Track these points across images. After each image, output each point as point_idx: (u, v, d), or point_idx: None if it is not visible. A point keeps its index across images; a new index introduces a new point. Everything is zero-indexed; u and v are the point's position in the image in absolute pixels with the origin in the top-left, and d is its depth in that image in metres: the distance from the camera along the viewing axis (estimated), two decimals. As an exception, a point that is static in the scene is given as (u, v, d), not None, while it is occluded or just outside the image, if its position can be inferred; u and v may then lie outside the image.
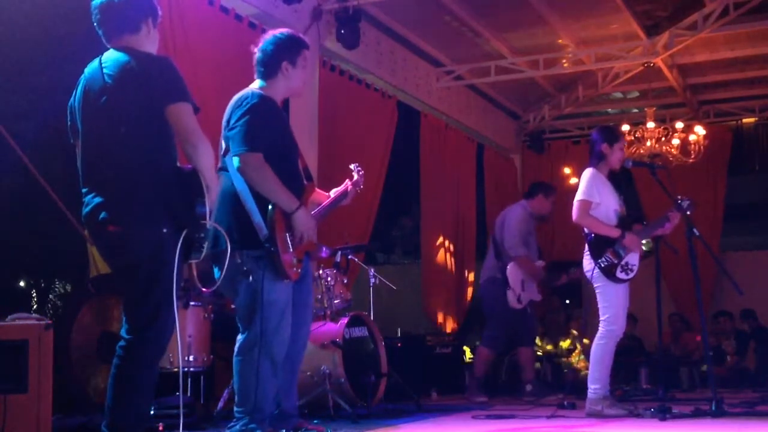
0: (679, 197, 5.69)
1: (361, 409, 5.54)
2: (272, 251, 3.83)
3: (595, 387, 5.55)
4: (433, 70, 9.95)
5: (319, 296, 5.85)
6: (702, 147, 9.82)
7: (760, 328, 10.25)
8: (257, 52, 4.17)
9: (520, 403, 6.90)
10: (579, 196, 5.63)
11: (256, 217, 3.82)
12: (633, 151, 9.77)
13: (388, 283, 7.02)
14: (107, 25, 3.42)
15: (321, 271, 5.94)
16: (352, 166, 4.68)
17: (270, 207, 3.88)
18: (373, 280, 6.80)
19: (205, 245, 3.25)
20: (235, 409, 3.97)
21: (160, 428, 4.65)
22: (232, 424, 3.96)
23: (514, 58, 9.73)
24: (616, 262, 5.54)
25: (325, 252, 6.09)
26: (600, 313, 5.62)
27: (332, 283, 5.92)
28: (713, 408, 5.17)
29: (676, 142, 9.79)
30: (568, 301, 11.64)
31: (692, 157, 9.84)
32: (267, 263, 3.86)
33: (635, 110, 12.14)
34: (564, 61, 9.75)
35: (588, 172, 5.69)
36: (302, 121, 7.54)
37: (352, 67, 8.46)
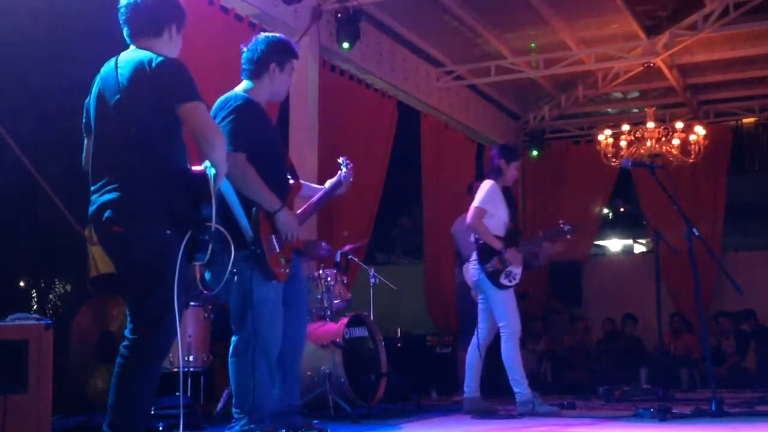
0: (561, 222, 6.15)
1: (361, 409, 5.54)
2: (258, 253, 3.84)
3: (519, 390, 5.72)
4: (433, 70, 9.95)
5: (319, 296, 5.85)
6: (702, 147, 9.82)
7: (760, 328, 10.25)
8: (246, 51, 4.17)
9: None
10: (476, 203, 5.87)
11: (243, 221, 3.82)
12: (633, 151, 9.77)
13: (388, 283, 7.02)
14: (132, 25, 3.45)
15: (321, 271, 5.94)
16: (340, 160, 4.61)
17: (254, 209, 3.88)
18: (373, 280, 6.80)
19: (210, 247, 3.25)
20: (234, 410, 3.97)
21: (160, 428, 4.65)
22: (231, 425, 3.96)
23: (514, 58, 9.73)
24: (500, 268, 5.77)
25: (324, 249, 6.09)
26: (497, 319, 5.81)
27: (332, 283, 5.92)
28: (713, 408, 5.17)
29: (676, 142, 9.79)
30: (566, 301, 11.66)
31: (692, 157, 9.84)
32: (255, 264, 3.86)
33: (635, 110, 12.14)
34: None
35: (488, 184, 5.94)
36: (302, 121, 7.55)
37: (352, 67, 8.47)
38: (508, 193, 6.08)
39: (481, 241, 5.84)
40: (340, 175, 4.55)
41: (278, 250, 3.93)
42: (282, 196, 4.01)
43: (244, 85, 4.18)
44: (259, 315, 3.87)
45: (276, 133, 4.24)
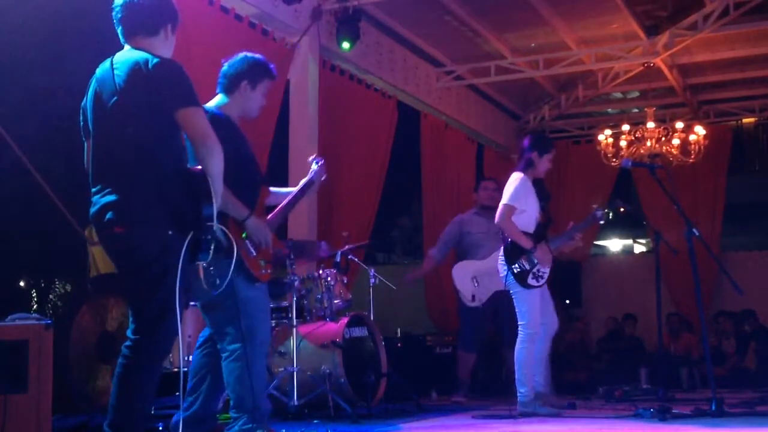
0: (595, 206, 6.01)
1: (361, 409, 5.53)
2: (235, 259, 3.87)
3: (523, 390, 5.69)
4: (433, 70, 9.95)
5: (319, 296, 5.85)
6: (702, 147, 9.82)
7: (760, 328, 10.25)
8: (225, 65, 4.24)
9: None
10: (505, 200, 5.77)
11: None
12: (633, 151, 9.78)
13: (388, 283, 7.01)
14: (127, 24, 3.44)
15: (321, 271, 5.94)
16: (310, 159, 4.70)
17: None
18: (373, 280, 6.79)
19: (212, 247, 3.26)
20: (231, 411, 3.98)
21: (160, 428, 4.65)
22: (230, 425, 3.96)
23: (514, 58, 9.73)
24: (528, 268, 5.70)
25: (324, 250, 6.10)
26: (518, 317, 5.76)
27: (332, 283, 5.92)
28: (713, 408, 5.17)
29: (676, 142, 9.79)
30: (567, 301, 11.64)
31: (692, 157, 9.84)
32: (237, 267, 3.86)
33: (635, 110, 12.14)
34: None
35: (517, 177, 5.82)
36: (302, 121, 7.55)
37: (352, 67, 8.47)
38: (539, 184, 5.94)
39: (509, 241, 5.76)
40: (311, 174, 4.61)
41: (255, 254, 3.99)
42: (252, 206, 4.05)
43: (218, 99, 4.24)
44: (250, 314, 3.93)
45: (246, 144, 4.26)
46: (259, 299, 4.01)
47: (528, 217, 5.78)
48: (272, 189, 4.59)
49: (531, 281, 5.70)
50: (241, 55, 4.25)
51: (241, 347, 3.91)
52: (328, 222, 7.91)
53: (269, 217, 4.39)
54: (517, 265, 5.70)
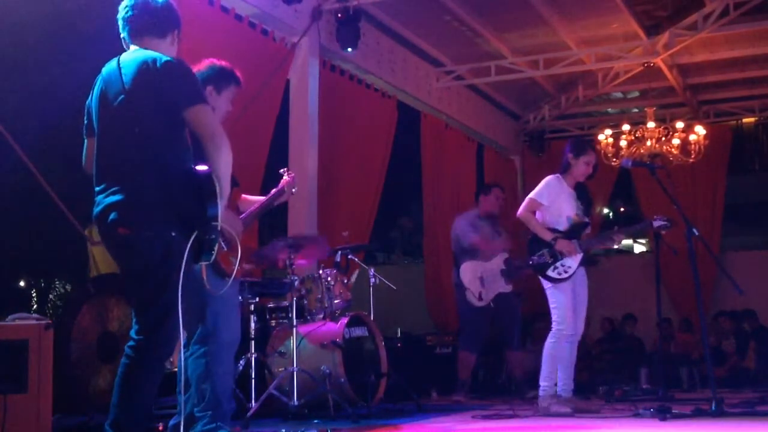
0: (656, 217, 5.93)
1: (361, 409, 5.54)
2: None
3: (544, 385, 5.74)
4: (433, 70, 9.95)
5: (319, 296, 5.85)
6: (702, 147, 9.83)
7: (760, 328, 10.26)
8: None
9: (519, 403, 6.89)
10: (530, 194, 5.90)
11: None
12: (633, 151, 9.78)
13: (388, 283, 7.02)
14: (137, 24, 3.43)
15: (321, 271, 5.95)
16: (281, 171, 4.80)
17: None
18: (373, 280, 6.79)
19: (216, 247, 3.25)
20: (195, 409, 3.99)
21: (160, 428, 4.65)
22: (193, 425, 3.96)
23: (514, 58, 9.74)
24: (550, 262, 5.74)
25: (324, 245, 6.12)
26: (551, 313, 5.80)
27: (332, 283, 5.92)
28: (713, 408, 5.17)
29: (676, 142, 9.80)
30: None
31: (692, 157, 9.85)
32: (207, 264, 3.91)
33: (635, 110, 12.15)
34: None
35: (548, 177, 5.94)
36: (302, 121, 7.55)
37: (352, 67, 8.47)
38: (582, 189, 6.02)
39: (531, 233, 5.86)
40: (281, 184, 4.70)
41: (226, 249, 4.01)
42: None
43: None
44: (216, 312, 3.98)
45: None
46: (227, 297, 4.02)
47: (555, 215, 5.84)
48: (244, 196, 4.69)
49: (551, 273, 5.73)
50: (208, 62, 4.28)
51: (205, 346, 3.96)
52: (328, 222, 7.91)
53: (240, 216, 4.43)
54: (536, 257, 5.78)
